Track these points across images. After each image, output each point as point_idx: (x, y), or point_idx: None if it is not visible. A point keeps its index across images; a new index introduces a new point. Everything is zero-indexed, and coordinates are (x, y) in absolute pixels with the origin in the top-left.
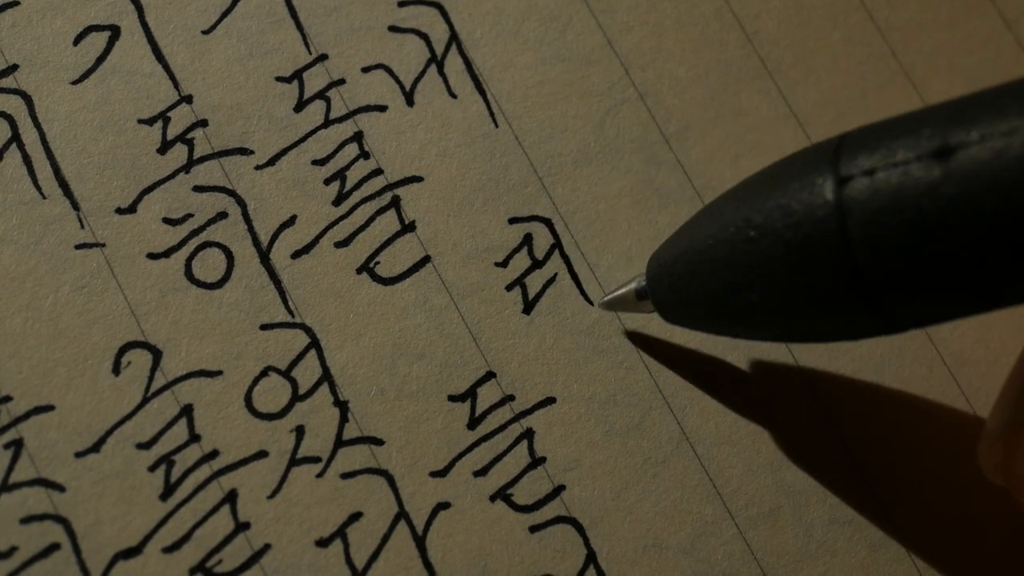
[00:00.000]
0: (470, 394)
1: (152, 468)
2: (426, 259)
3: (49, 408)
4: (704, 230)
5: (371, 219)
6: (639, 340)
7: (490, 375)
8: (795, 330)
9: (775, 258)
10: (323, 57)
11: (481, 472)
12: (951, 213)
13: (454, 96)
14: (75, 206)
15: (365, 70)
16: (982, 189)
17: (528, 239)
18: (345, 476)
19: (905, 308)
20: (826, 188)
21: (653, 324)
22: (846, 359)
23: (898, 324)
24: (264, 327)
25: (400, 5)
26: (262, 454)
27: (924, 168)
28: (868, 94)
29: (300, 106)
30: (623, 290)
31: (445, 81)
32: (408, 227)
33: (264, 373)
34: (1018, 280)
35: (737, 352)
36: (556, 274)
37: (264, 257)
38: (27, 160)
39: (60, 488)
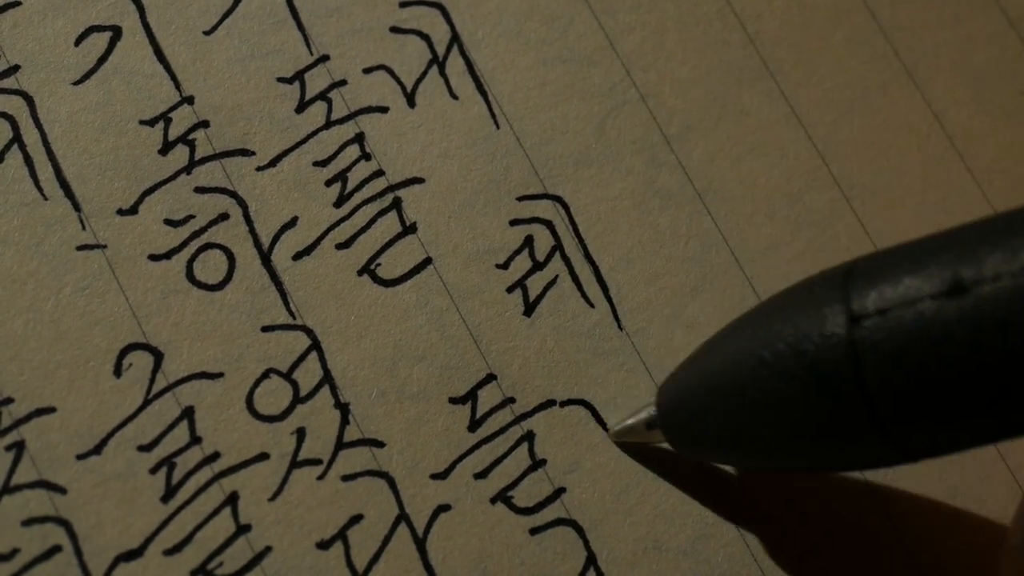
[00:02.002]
0: (471, 396)
1: (153, 470)
2: (427, 261)
3: (50, 410)
4: (714, 365)
5: (372, 221)
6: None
7: (491, 377)
8: (808, 463)
9: (789, 396)
10: (324, 58)
11: (482, 474)
12: (965, 351)
13: (455, 97)
14: (76, 207)
15: (366, 71)
16: (996, 328)
17: (529, 241)
18: (346, 478)
19: (920, 440)
20: (838, 327)
21: None
22: None
23: (914, 455)
24: (265, 329)
25: (401, 6)
26: (263, 456)
27: (937, 307)
28: (871, 94)
29: (301, 107)
30: (633, 420)
31: (446, 82)
32: (409, 229)
33: (265, 375)
34: None
35: None
36: (557, 276)
37: (265, 259)
38: (28, 161)
39: (61, 490)
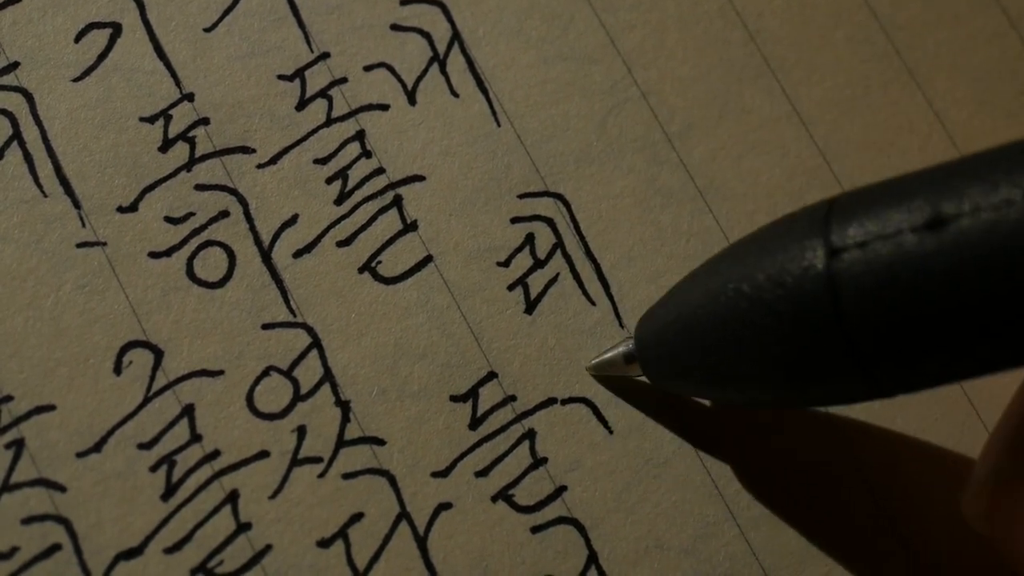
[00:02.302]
0: (472, 394)
1: (153, 468)
2: (428, 259)
3: (50, 408)
4: (693, 298)
5: (373, 218)
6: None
7: (492, 375)
8: (787, 398)
9: (767, 329)
10: (325, 55)
11: (483, 473)
12: (944, 285)
13: (456, 95)
14: (76, 204)
15: (367, 69)
16: (975, 262)
17: (530, 239)
18: (346, 476)
19: (898, 375)
20: (817, 259)
21: None
22: None
23: (891, 390)
24: (266, 326)
25: (402, 4)
26: (263, 454)
27: (917, 240)
28: (871, 93)
29: (302, 105)
30: (611, 354)
31: (447, 80)
32: (410, 226)
33: (265, 373)
34: (1008, 348)
35: None
36: (558, 274)
37: (266, 256)
38: (28, 158)
39: (61, 488)
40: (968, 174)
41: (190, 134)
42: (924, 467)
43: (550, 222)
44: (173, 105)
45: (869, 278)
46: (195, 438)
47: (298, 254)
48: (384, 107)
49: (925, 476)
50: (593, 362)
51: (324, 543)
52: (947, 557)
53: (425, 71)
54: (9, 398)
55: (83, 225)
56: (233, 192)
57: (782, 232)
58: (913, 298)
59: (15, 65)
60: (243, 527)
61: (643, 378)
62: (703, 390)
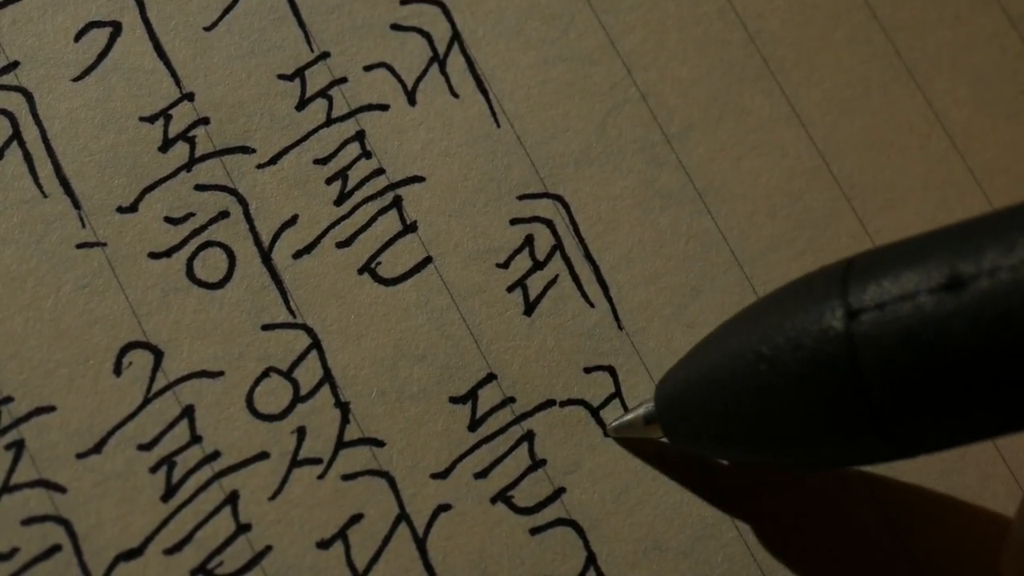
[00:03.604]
0: (471, 396)
1: (153, 469)
2: (427, 260)
3: (50, 409)
4: (712, 359)
5: (373, 219)
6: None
7: (491, 377)
8: (806, 459)
9: (786, 390)
10: (325, 55)
11: (482, 474)
12: (963, 346)
13: (456, 95)
14: (76, 205)
15: (367, 69)
16: (994, 323)
17: (530, 240)
18: (346, 477)
19: (919, 436)
20: (836, 320)
21: None
22: None
23: (911, 450)
24: (265, 327)
25: (402, 3)
26: (263, 455)
27: (935, 301)
28: (871, 93)
29: (302, 104)
30: (631, 416)
31: (447, 80)
32: (410, 227)
33: (265, 374)
34: None
35: None
36: (557, 275)
37: (266, 257)
38: (28, 158)
39: (61, 489)
40: (986, 233)
41: (190, 134)
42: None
43: (549, 223)
44: (173, 105)
45: (888, 339)
46: (195, 439)
47: (298, 255)
48: (384, 107)
49: (925, 479)
50: (613, 424)
51: (324, 544)
52: (947, 558)
53: (425, 71)
54: (9, 399)
55: (83, 226)
56: (233, 192)
57: (801, 293)
58: (932, 358)
59: (15, 64)
60: (243, 528)
61: (664, 440)
62: (723, 451)
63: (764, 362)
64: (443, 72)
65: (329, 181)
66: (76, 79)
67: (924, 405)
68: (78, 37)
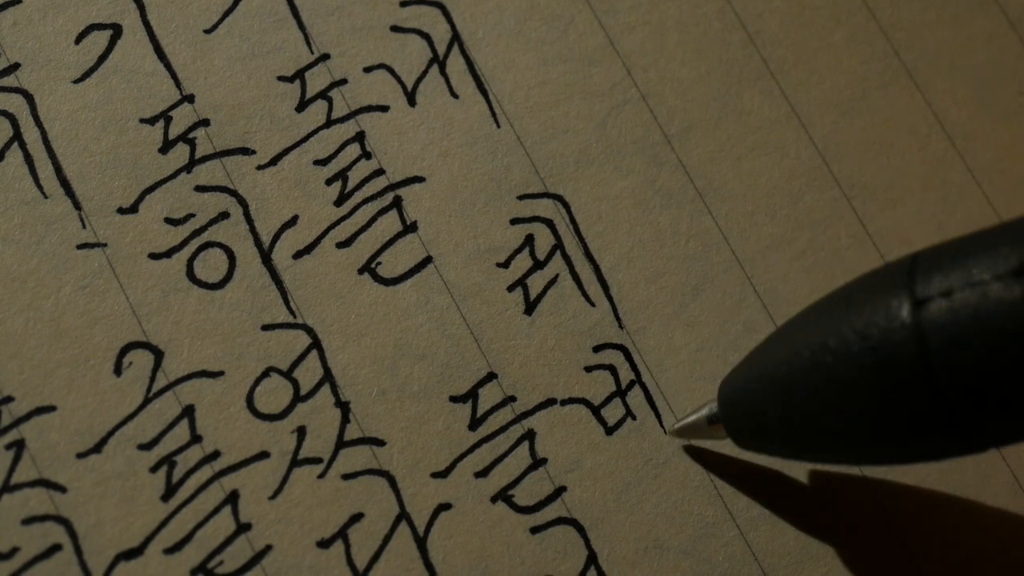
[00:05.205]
0: (471, 395)
1: (154, 469)
2: (428, 260)
3: (51, 409)
4: (777, 355)
5: (373, 219)
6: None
7: (491, 376)
8: (875, 454)
9: (853, 382)
10: (325, 57)
11: (482, 473)
12: None
13: (456, 96)
14: (77, 206)
15: (367, 70)
16: None
17: (530, 240)
18: (346, 477)
19: (989, 428)
20: (903, 310)
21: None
22: None
23: (981, 444)
24: (266, 327)
25: (402, 5)
26: (263, 455)
27: (1003, 288)
28: (871, 94)
29: (302, 106)
30: (694, 416)
31: (447, 81)
32: (410, 228)
33: (265, 374)
34: None
35: None
36: (558, 275)
37: (266, 257)
38: (28, 159)
39: (61, 489)
40: None
41: (190, 135)
42: (925, 471)
43: (550, 223)
44: (173, 106)
45: (956, 327)
46: (195, 439)
47: (298, 255)
48: (384, 108)
49: (925, 479)
50: (676, 426)
51: (324, 543)
52: (947, 558)
53: (425, 72)
54: (9, 399)
55: (83, 226)
56: (233, 193)
57: (866, 287)
58: (1002, 345)
59: (16, 66)
60: (243, 527)
61: (728, 441)
62: (789, 449)
63: (830, 354)
64: (443, 73)
65: (329, 182)
66: (77, 81)
67: (994, 394)
68: (79, 39)
